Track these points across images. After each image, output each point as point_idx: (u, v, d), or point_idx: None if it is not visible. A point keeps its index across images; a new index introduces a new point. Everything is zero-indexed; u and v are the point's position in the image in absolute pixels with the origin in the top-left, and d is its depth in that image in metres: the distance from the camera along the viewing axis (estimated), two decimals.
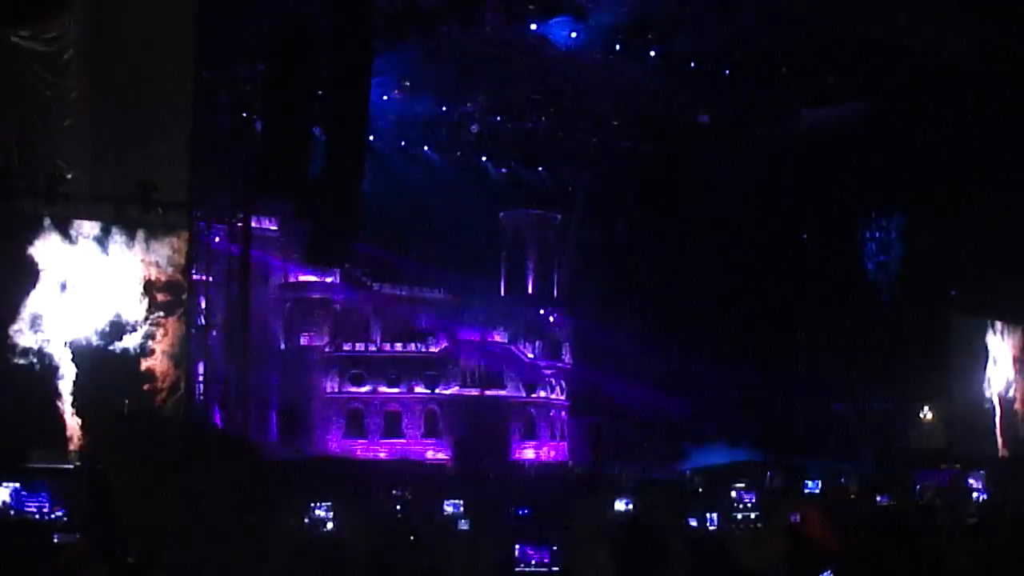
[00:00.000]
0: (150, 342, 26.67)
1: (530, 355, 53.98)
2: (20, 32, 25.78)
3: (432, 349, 52.26)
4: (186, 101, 27.06)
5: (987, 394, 44.30)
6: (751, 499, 26.95)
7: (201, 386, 29.56)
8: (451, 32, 34.37)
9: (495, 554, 17.26)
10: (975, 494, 31.26)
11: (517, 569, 16.53)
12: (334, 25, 27.49)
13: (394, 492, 26.01)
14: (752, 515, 24.99)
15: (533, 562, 16.61)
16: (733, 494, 27.57)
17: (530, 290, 56.72)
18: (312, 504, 21.46)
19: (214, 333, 30.56)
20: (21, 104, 26.12)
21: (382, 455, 49.19)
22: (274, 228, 48.84)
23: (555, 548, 16.55)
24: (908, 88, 35.47)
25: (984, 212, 37.29)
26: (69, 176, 25.94)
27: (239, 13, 28.64)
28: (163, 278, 26.96)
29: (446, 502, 23.68)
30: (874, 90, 37.63)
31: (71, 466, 24.98)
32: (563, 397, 54.68)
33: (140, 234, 26.72)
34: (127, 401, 25.75)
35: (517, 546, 16.80)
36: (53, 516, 20.75)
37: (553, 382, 54.45)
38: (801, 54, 36.16)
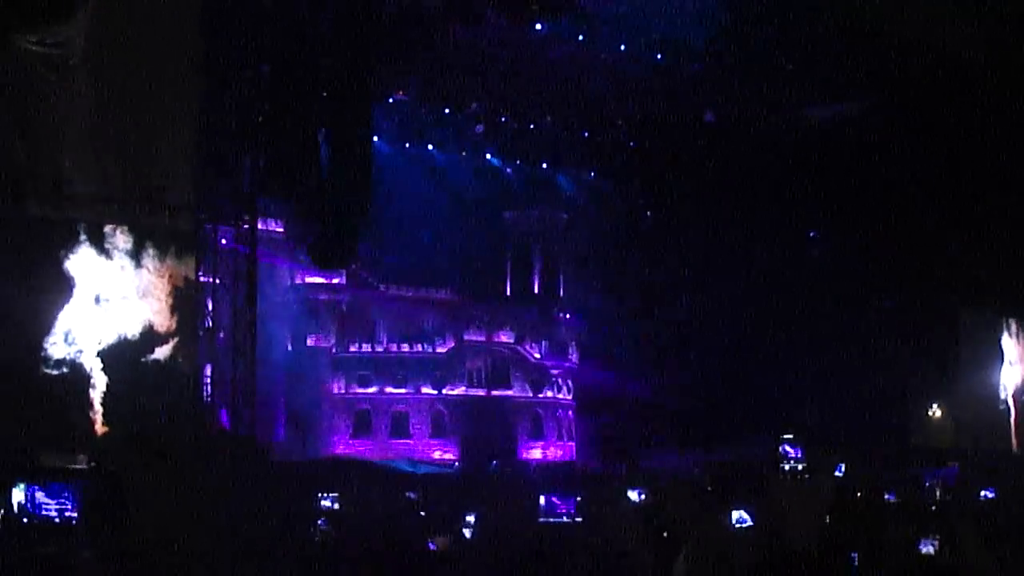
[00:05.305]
0: (179, 354, 26.82)
1: (536, 355, 53.98)
2: (27, 36, 25.81)
3: (439, 349, 52.29)
4: (192, 104, 27.11)
5: (1001, 395, 44.11)
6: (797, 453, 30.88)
7: (208, 388, 29.59)
8: (455, 32, 34.41)
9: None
10: (983, 493, 31.10)
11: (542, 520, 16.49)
12: (338, 26, 27.54)
13: (409, 495, 25.86)
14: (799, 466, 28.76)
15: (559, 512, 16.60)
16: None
17: (536, 290, 56.68)
18: (320, 494, 21.48)
19: (221, 335, 30.55)
20: (28, 107, 26.17)
21: (389, 456, 49.25)
22: (280, 230, 48.85)
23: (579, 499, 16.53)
24: (917, 83, 35.31)
25: (996, 211, 37.13)
26: (74, 179, 25.99)
27: (244, 16, 28.68)
28: (193, 291, 27.13)
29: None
30: (882, 86, 37.49)
31: (85, 467, 24.98)
32: (570, 397, 54.68)
33: (172, 247, 26.88)
34: (145, 405, 25.84)
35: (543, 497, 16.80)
36: (74, 520, 20.53)
37: (560, 382, 54.44)
38: (807, 50, 36.09)
